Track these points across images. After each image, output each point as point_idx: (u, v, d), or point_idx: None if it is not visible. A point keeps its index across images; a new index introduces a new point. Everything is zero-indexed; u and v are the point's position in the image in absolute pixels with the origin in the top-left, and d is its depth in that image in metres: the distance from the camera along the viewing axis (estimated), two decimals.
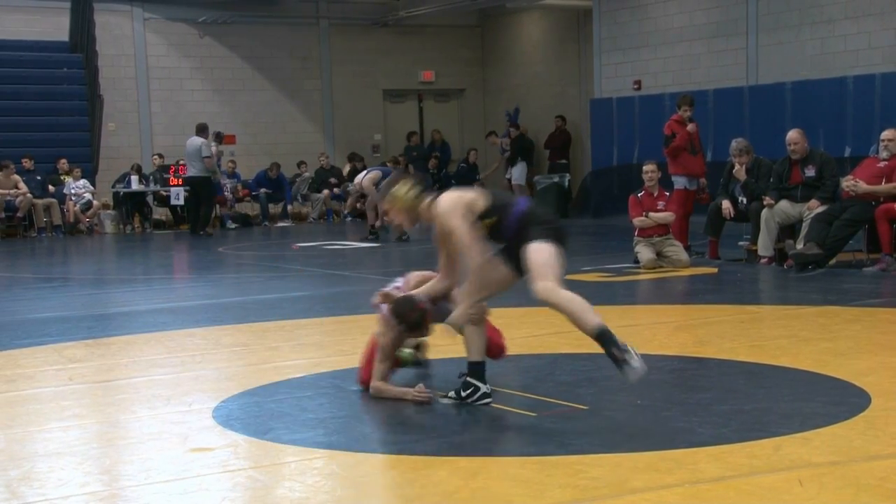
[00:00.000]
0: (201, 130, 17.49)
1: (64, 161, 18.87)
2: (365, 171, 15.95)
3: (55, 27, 20.17)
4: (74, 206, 18.41)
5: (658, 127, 12.77)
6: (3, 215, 17.88)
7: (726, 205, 10.77)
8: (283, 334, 7.33)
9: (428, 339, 5.55)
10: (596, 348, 4.56)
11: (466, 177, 21.51)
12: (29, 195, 17.80)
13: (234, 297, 9.60)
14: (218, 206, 18.76)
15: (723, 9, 17.14)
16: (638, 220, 10.59)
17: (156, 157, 19.62)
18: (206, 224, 17.51)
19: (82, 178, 18.67)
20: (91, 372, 6.09)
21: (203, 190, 17.46)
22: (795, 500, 3.48)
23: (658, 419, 4.58)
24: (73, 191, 18.50)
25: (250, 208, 20.17)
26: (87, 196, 18.65)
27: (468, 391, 4.88)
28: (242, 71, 21.61)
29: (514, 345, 6.59)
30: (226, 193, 19.37)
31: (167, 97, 21.01)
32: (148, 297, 9.98)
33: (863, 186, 9.79)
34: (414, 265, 6.00)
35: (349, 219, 19.91)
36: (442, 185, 21.86)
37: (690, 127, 11.40)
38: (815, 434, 4.23)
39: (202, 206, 17.52)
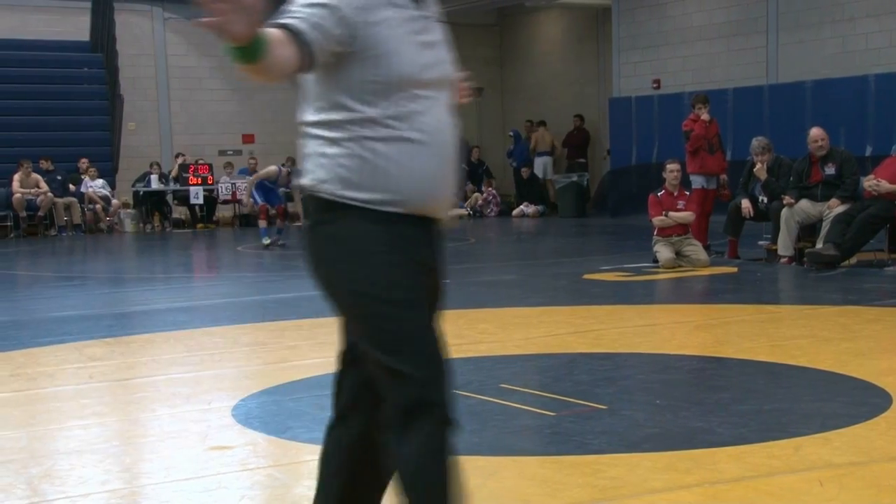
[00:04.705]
0: None
1: (85, 160, 18.98)
2: None
3: (76, 27, 20.28)
4: (101, 199, 18.55)
5: (677, 126, 12.73)
6: (24, 214, 17.98)
7: (745, 204, 10.70)
8: (302, 333, 7.34)
9: None
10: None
11: (474, 174, 21.72)
12: (50, 194, 17.91)
13: (253, 295, 9.62)
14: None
15: (742, 7, 17.07)
16: (658, 220, 10.53)
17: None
18: None
19: (100, 177, 18.78)
20: (111, 370, 6.11)
21: None
22: (815, 500, 3.46)
23: (677, 419, 4.56)
24: (90, 189, 18.62)
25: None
26: (108, 195, 18.81)
27: None
28: None
29: (533, 344, 6.60)
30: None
31: (187, 96, 21.08)
32: (167, 295, 10.01)
33: (885, 185, 9.73)
34: None
35: None
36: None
37: (705, 116, 11.32)
38: (835, 434, 4.21)
39: None
